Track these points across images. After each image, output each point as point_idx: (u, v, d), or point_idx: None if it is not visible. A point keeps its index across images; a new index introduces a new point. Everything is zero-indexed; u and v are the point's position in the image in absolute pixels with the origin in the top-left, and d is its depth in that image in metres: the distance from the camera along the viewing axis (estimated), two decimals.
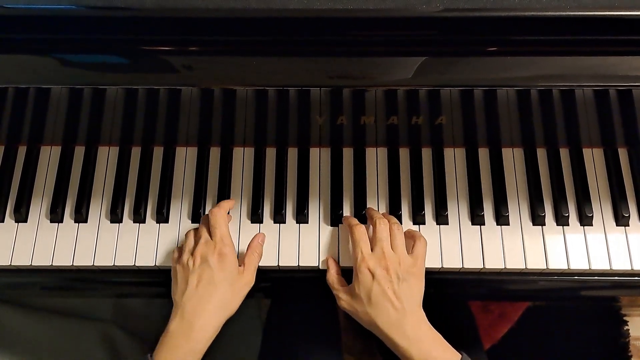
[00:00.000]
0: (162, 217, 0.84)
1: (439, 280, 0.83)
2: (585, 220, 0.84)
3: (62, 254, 0.82)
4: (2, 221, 0.85)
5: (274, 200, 0.85)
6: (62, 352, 1.03)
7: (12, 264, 0.82)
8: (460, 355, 0.72)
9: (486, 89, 0.74)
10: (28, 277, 0.85)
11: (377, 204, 0.85)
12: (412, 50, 0.68)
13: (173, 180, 0.87)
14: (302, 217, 0.84)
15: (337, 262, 0.81)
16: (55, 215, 0.84)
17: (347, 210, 0.85)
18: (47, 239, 0.83)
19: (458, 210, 0.85)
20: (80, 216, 0.84)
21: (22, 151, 0.89)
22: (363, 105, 0.78)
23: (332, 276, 0.79)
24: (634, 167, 0.87)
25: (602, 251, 0.82)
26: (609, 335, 1.30)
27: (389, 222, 0.78)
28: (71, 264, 0.82)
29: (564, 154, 0.88)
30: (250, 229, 0.83)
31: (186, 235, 0.79)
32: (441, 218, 0.84)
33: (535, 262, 0.82)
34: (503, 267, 0.81)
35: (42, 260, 0.82)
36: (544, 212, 0.84)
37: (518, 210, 0.85)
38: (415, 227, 0.84)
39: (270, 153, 0.88)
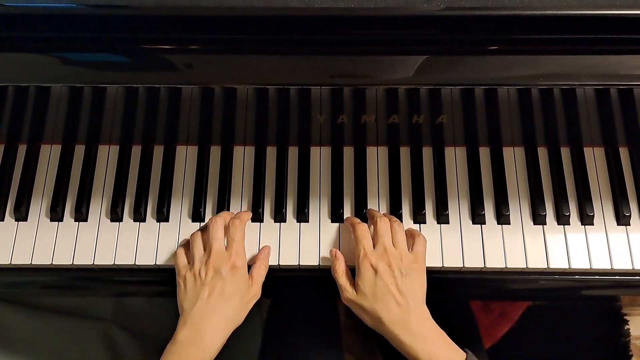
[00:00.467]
0: (163, 216, 0.84)
1: (439, 280, 0.83)
2: (586, 219, 0.84)
3: (62, 252, 0.82)
4: (2, 220, 0.84)
5: (274, 199, 0.85)
6: (62, 351, 1.03)
7: (12, 263, 0.82)
8: (465, 354, 0.72)
9: (487, 88, 0.74)
10: (28, 276, 0.85)
11: (377, 203, 0.85)
12: (413, 49, 0.68)
13: (173, 179, 0.87)
14: (302, 216, 0.84)
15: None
16: (56, 214, 0.84)
17: (347, 209, 0.85)
18: (47, 238, 0.83)
19: (459, 209, 0.85)
20: (81, 215, 0.84)
21: (22, 150, 0.88)
22: (364, 104, 0.78)
23: (339, 268, 0.77)
24: (635, 166, 0.87)
25: (603, 250, 0.82)
26: (610, 334, 1.30)
27: (389, 220, 0.78)
28: (71, 262, 0.82)
29: (565, 153, 0.88)
30: (251, 228, 0.83)
31: (193, 239, 0.78)
32: (442, 217, 0.84)
33: (536, 262, 0.81)
34: (504, 266, 0.81)
35: (42, 259, 0.82)
36: (545, 211, 0.84)
37: (519, 209, 0.85)
38: (416, 226, 0.84)
39: (271, 152, 0.88)
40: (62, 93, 0.76)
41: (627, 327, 1.30)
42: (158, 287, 0.87)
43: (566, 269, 0.82)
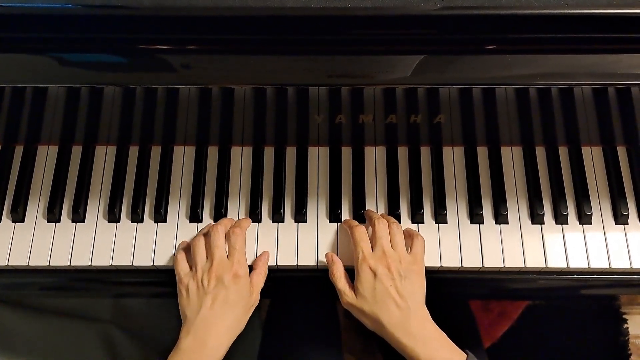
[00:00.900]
0: (160, 216, 0.84)
1: (438, 280, 0.83)
2: (584, 218, 0.84)
3: (60, 254, 0.82)
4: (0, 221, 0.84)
5: (272, 199, 0.85)
6: (62, 352, 1.03)
7: (9, 265, 0.82)
8: (466, 355, 0.72)
9: (485, 88, 0.74)
10: (26, 278, 0.85)
11: (376, 203, 0.85)
12: (410, 48, 0.68)
13: (171, 180, 0.87)
14: (300, 216, 0.84)
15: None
16: (53, 215, 0.84)
17: (345, 209, 0.85)
18: (44, 239, 0.83)
19: (457, 209, 0.85)
20: (78, 216, 0.84)
21: (19, 151, 0.88)
22: (361, 104, 0.78)
23: (337, 272, 0.78)
24: (633, 166, 0.87)
25: (601, 250, 0.82)
26: (609, 333, 1.30)
27: (387, 221, 0.78)
28: (69, 264, 0.81)
29: (563, 152, 0.88)
30: (249, 229, 0.83)
31: (194, 246, 0.78)
32: (440, 217, 0.84)
33: (534, 261, 0.81)
34: (502, 265, 0.81)
35: (39, 260, 0.82)
36: (543, 210, 0.84)
37: (517, 208, 0.85)
38: (414, 226, 0.84)
39: (269, 152, 0.88)
40: (59, 94, 0.76)
41: (625, 326, 1.30)
42: (156, 287, 0.87)
43: (564, 268, 0.82)
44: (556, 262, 0.82)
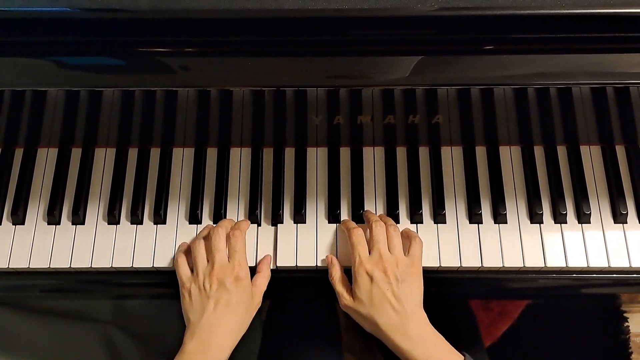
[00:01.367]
0: (160, 218, 0.84)
1: (437, 280, 0.83)
2: (583, 217, 0.84)
3: (60, 256, 0.82)
4: (0, 224, 0.85)
5: (271, 200, 0.85)
6: (62, 354, 1.03)
7: (10, 267, 0.82)
8: (463, 357, 0.72)
9: (483, 88, 0.74)
10: (26, 280, 0.85)
11: (374, 203, 0.85)
12: (408, 49, 0.68)
13: (170, 182, 0.87)
14: (299, 217, 0.84)
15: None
16: (53, 218, 0.84)
17: (344, 210, 0.85)
18: (44, 242, 0.83)
19: (456, 209, 0.85)
20: (78, 218, 0.84)
21: (18, 154, 0.89)
22: (360, 104, 0.78)
23: (336, 274, 0.78)
24: (632, 165, 0.87)
25: (600, 249, 0.82)
26: (609, 331, 1.30)
27: (385, 224, 0.78)
28: (69, 266, 0.82)
29: (562, 151, 0.88)
30: (249, 230, 0.83)
31: (195, 249, 0.78)
32: (439, 217, 0.84)
33: (533, 260, 0.81)
34: (501, 265, 0.81)
35: (39, 262, 0.82)
36: (542, 210, 0.84)
37: (516, 208, 0.85)
38: (413, 227, 0.84)
39: (268, 153, 0.88)
40: (59, 97, 0.76)
41: (626, 324, 1.30)
42: (157, 289, 0.87)
43: (563, 267, 0.82)
44: (555, 261, 0.82)
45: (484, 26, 0.66)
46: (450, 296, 0.98)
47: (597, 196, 0.86)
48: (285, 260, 0.82)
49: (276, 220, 0.84)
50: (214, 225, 0.82)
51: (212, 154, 0.88)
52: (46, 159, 0.88)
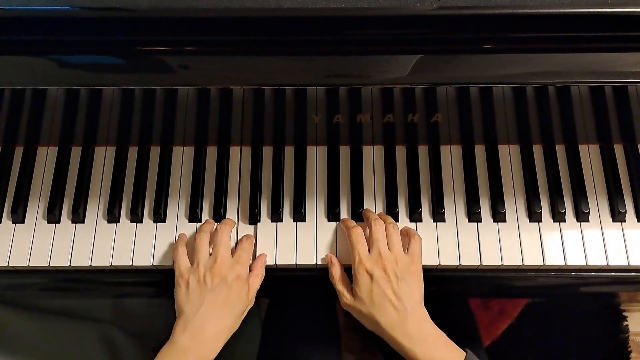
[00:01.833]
0: (160, 216, 0.84)
1: (437, 278, 0.83)
2: (581, 216, 0.84)
3: (60, 254, 0.82)
4: (0, 222, 0.85)
5: (271, 198, 0.85)
6: (62, 353, 1.03)
7: (9, 265, 0.82)
8: (465, 353, 0.72)
9: (482, 86, 0.74)
10: (26, 278, 0.85)
11: (374, 202, 0.86)
12: (406, 48, 0.68)
13: (170, 180, 0.87)
14: (299, 215, 0.84)
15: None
16: (53, 216, 0.84)
17: (344, 208, 0.85)
18: (44, 240, 0.83)
19: (455, 207, 0.85)
20: (78, 216, 0.84)
21: (18, 152, 0.89)
22: (359, 103, 0.78)
23: (336, 273, 0.78)
24: (630, 164, 0.87)
25: (598, 247, 0.82)
26: (609, 330, 1.31)
27: (384, 222, 0.78)
28: (69, 264, 0.82)
29: (560, 150, 0.88)
30: (248, 229, 0.84)
31: (198, 241, 0.78)
32: (438, 215, 0.84)
33: (532, 259, 0.82)
34: (500, 263, 0.82)
35: (39, 261, 0.82)
36: (541, 208, 0.84)
37: (515, 207, 0.85)
38: (412, 225, 0.84)
39: (267, 152, 0.88)
40: (58, 95, 0.76)
41: (625, 323, 1.30)
42: (156, 288, 0.87)
43: (562, 265, 0.82)
44: (554, 259, 0.82)
45: (482, 25, 0.66)
46: (450, 294, 0.98)
47: (595, 195, 0.86)
48: (285, 258, 0.82)
49: (276, 218, 0.84)
50: (217, 222, 0.82)
51: (212, 152, 0.88)
52: (46, 158, 0.88)
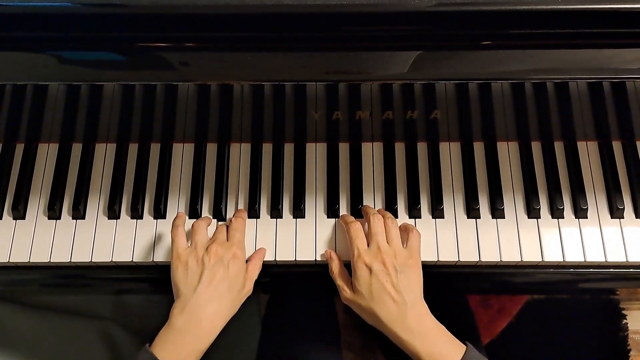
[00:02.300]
0: (160, 213, 0.84)
1: (435, 274, 0.84)
2: (580, 212, 0.84)
3: (60, 250, 0.82)
4: (0, 218, 0.85)
5: (270, 195, 0.86)
6: (62, 349, 1.04)
7: (10, 261, 0.82)
8: (465, 347, 0.72)
9: (480, 83, 0.75)
10: (27, 274, 0.86)
11: (373, 198, 0.86)
12: (406, 44, 0.68)
13: (170, 177, 0.87)
14: (298, 212, 0.84)
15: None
16: (53, 212, 0.84)
17: (343, 205, 0.85)
18: (45, 236, 0.83)
19: (454, 204, 0.85)
20: (78, 213, 0.84)
21: (19, 149, 0.89)
22: (359, 100, 0.78)
23: (336, 268, 0.79)
24: (629, 160, 0.87)
25: (597, 243, 0.82)
26: (608, 329, 1.31)
27: (383, 217, 0.79)
28: (69, 260, 0.82)
29: (559, 147, 0.89)
30: (248, 224, 0.84)
31: (197, 225, 0.78)
32: (437, 212, 0.84)
33: (531, 255, 0.82)
34: (499, 260, 0.82)
35: (40, 257, 0.82)
36: (539, 205, 0.84)
37: (513, 203, 0.85)
38: (411, 221, 0.84)
39: (267, 148, 0.89)
40: (59, 92, 0.77)
41: (625, 321, 1.31)
42: (156, 284, 0.87)
43: (560, 262, 0.82)
44: (553, 256, 0.82)
45: (481, 22, 0.67)
46: (448, 291, 0.98)
47: (594, 191, 0.86)
48: (285, 254, 0.82)
49: (275, 215, 0.84)
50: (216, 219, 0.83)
51: (211, 149, 0.89)
52: (47, 155, 0.89)
